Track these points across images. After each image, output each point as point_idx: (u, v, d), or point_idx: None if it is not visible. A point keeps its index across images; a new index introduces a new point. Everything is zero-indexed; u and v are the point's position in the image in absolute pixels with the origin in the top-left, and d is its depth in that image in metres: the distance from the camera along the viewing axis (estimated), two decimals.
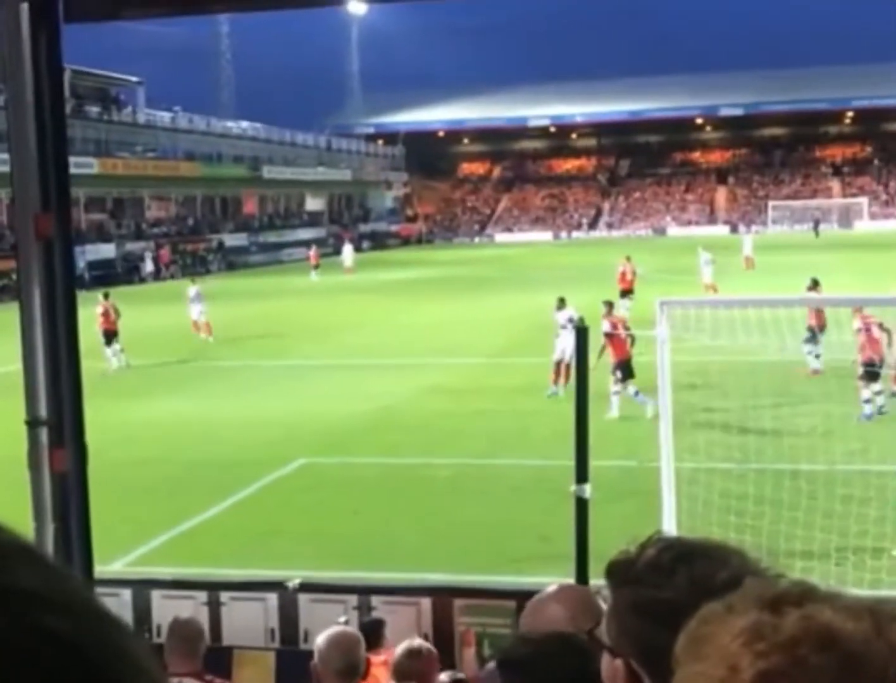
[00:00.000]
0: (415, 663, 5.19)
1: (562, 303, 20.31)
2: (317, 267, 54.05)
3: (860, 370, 16.81)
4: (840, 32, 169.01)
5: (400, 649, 5.30)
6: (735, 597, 1.00)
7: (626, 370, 17.44)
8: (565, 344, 18.45)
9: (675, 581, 1.58)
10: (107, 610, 0.62)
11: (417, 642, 5.44)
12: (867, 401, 16.69)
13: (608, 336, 17.06)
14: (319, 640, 5.10)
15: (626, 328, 17.87)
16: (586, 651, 2.15)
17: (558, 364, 19.28)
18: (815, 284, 22.02)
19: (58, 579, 0.59)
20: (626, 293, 30.69)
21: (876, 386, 16.96)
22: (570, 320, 18.78)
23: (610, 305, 18.82)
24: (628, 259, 32.83)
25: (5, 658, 0.54)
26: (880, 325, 16.99)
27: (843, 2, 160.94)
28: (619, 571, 1.67)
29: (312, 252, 56.47)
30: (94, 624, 0.59)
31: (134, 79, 77.07)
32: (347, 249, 58.20)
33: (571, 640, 2.35)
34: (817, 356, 20.10)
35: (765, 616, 0.94)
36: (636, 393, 17.20)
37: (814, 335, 20.15)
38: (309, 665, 5.06)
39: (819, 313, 20.20)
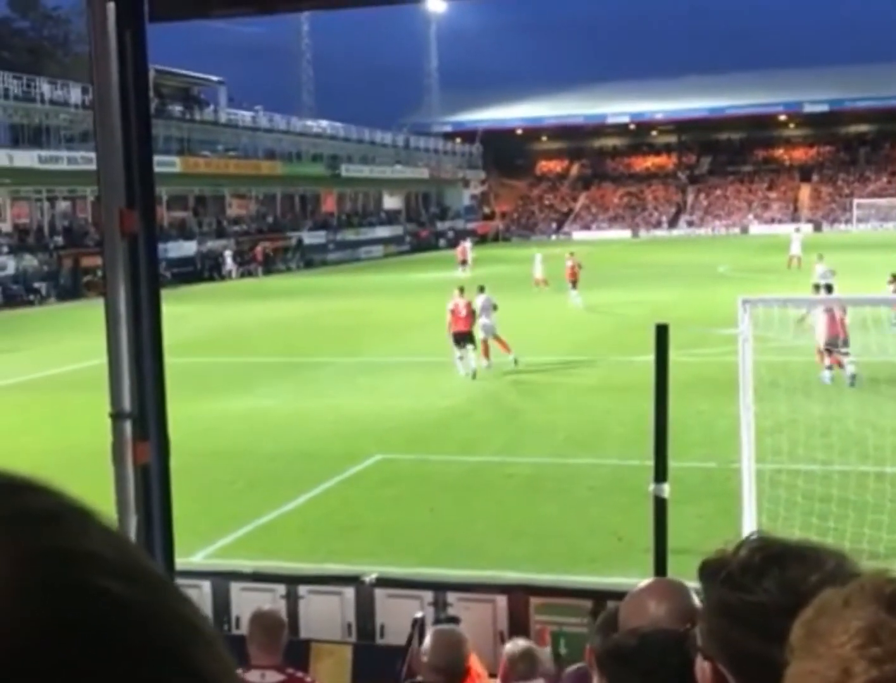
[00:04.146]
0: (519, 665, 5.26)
1: (481, 290, 23.67)
2: (464, 263, 52.53)
3: None
4: None
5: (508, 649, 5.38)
6: (853, 589, 0.96)
7: (460, 339, 21.95)
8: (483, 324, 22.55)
9: (764, 584, 1.52)
10: (164, 577, 0.61)
11: (522, 643, 5.50)
12: None
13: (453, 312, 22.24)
14: (428, 636, 5.23)
15: (472, 309, 22.36)
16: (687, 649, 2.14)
17: (485, 341, 22.42)
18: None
19: (116, 543, 0.59)
20: (574, 284, 35.37)
21: None
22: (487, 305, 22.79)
23: (461, 289, 23.11)
24: (572, 254, 37.15)
25: (56, 618, 0.54)
26: None
27: None
28: (710, 571, 1.61)
29: (460, 248, 55.23)
30: (149, 588, 0.59)
31: (215, 78, 78.10)
32: (467, 246, 56.02)
33: (676, 636, 2.33)
34: None
35: (882, 616, 0.90)
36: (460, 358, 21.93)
37: None
38: (384, 658, 5.10)
39: None
